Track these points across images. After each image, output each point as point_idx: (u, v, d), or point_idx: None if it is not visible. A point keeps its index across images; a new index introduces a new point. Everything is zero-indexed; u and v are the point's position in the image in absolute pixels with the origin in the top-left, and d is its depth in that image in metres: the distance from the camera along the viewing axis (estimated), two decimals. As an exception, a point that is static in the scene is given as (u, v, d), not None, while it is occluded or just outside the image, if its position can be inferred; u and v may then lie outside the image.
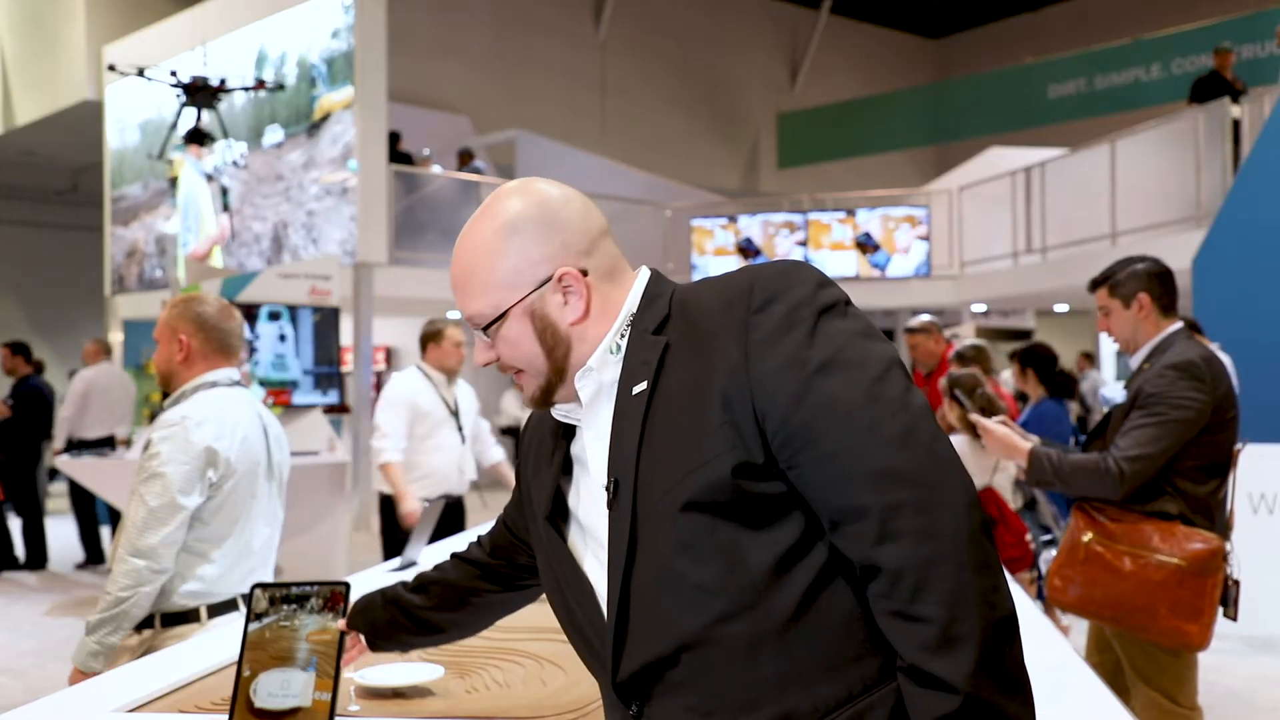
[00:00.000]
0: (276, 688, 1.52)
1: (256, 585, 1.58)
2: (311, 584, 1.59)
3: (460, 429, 4.84)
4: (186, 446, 2.47)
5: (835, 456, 1.07)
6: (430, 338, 4.91)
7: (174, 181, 13.34)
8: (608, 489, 1.18)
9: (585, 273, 1.23)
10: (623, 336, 1.23)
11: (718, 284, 1.20)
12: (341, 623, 1.56)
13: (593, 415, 1.25)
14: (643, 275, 1.28)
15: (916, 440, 1.07)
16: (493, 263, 1.23)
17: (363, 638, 1.60)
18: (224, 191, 11.49)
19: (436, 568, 1.61)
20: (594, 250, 1.25)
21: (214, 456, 2.50)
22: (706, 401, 1.12)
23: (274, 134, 11.64)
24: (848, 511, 1.06)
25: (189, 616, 2.51)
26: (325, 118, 11.28)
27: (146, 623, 2.50)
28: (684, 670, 1.11)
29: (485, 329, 1.25)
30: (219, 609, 2.55)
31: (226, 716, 1.56)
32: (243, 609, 2.58)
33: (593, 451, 1.24)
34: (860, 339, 1.11)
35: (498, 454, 5.17)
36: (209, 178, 11.13)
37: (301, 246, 12.45)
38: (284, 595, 1.59)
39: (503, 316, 1.23)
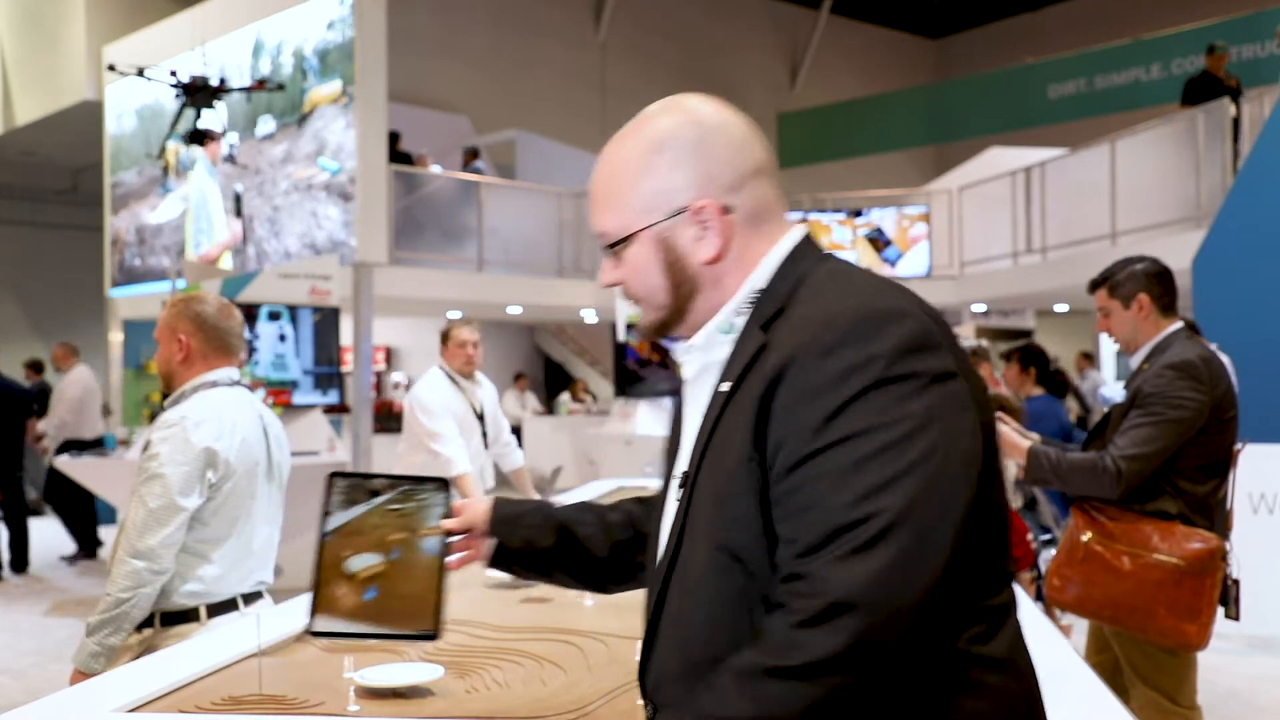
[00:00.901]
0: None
1: (334, 474, 1.36)
2: (401, 478, 1.38)
3: (485, 434, 4.77)
4: (185, 447, 2.46)
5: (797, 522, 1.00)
6: (442, 338, 4.86)
7: (167, 170, 13.40)
8: (681, 479, 1.15)
9: (728, 210, 1.14)
10: (739, 315, 1.14)
11: (830, 296, 1.07)
12: (450, 522, 1.38)
13: (696, 391, 1.19)
14: (789, 238, 1.17)
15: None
16: (630, 180, 1.16)
17: (488, 546, 1.42)
18: (237, 197, 11.48)
19: (615, 507, 1.45)
20: (742, 188, 1.15)
21: (213, 457, 2.49)
22: (749, 427, 1.05)
23: (266, 125, 11.64)
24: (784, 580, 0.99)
25: (189, 616, 2.51)
26: (311, 111, 11.32)
27: (146, 622, 2.49)
28: (687, 695, 1.07)
29: (611, 248, 1.19)
30: (219, 608, 2.55)
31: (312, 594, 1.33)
32: (243, 609, 2.58)
33: (689, 428, 1.19)
34: (905, 424, 0.97)
35: (518, 458, 5.04)
36: (208, 136, 11.05)
37: (265, 239, 12.54)
38: (369, 488, 1.36)
39: (629, 239, 1.16)
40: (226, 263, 11.99)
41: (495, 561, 1.44)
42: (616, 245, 1.17)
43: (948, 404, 0.99)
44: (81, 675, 2.37)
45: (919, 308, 1.05)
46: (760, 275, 1.14)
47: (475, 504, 1.42)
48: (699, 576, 1.08)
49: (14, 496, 8.31)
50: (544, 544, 1.41)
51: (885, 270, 13.31)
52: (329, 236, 11.41)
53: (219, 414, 2.55)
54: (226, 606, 2.56)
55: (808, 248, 1.16)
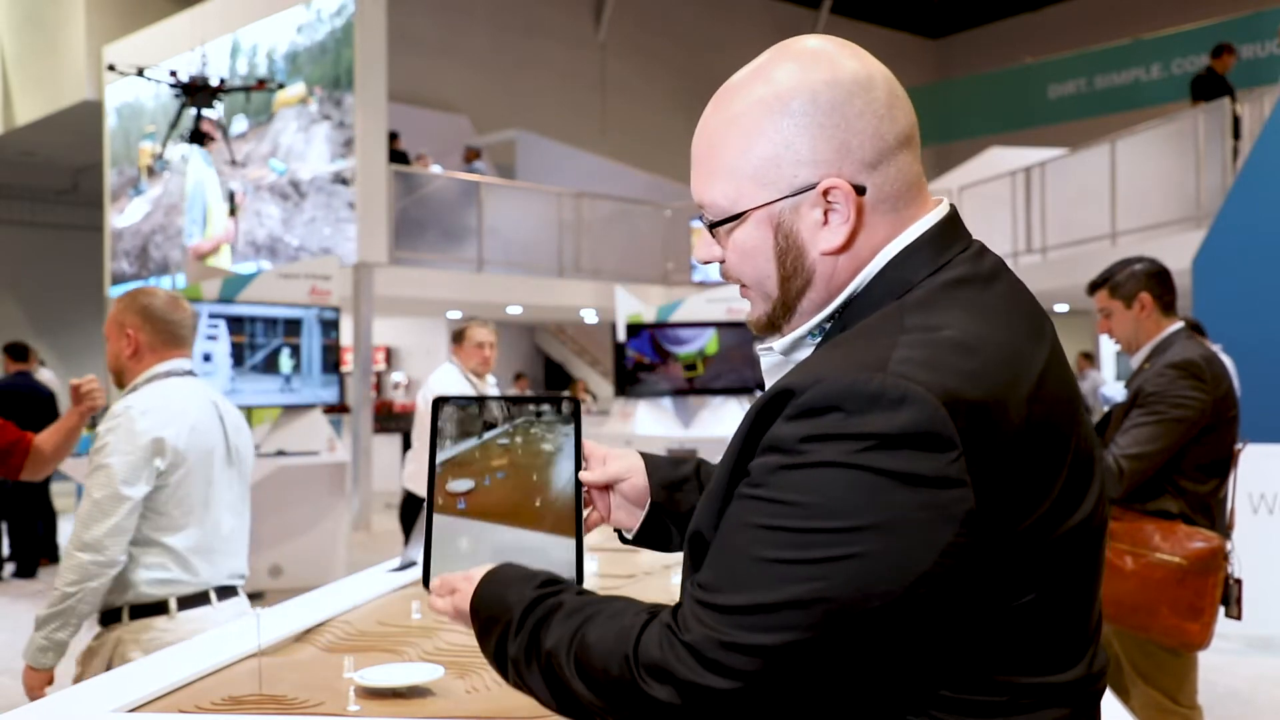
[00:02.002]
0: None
1: (439, 399, 1.17)
2: (521, 399, 1.17)
3: None
4: (130, 436, 2.42)
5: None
6: (456, 337, 4.91)
7: (140, 173, 13.47)
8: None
9: (862, 191, 0.94)
10: (830, 321, 0.99)
11: (872, 342, 0.90)
12: (590, 476, 1.17)
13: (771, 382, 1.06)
14: (919, 224, 0.97)
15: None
16: (745, 143, 0.96)
17: (635, 514, 1.21)
18: (231, 195, 11.51)
19: None
20: (883, 163, 0.95)
21: (160, 445, 2.45)
22: (729, 460, 0.95)
23: (239, 124, 11.67)
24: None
25: (158, 609, 2.48)
26: (275, 114, 11.41)
27: (114, 617, 2.47)
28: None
29: (714, 225, 1.00)
30: (189, 601, 2.51)
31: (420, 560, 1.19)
32: (215, 603, 2.54)
33: None
34: (846, 517, 0.82)
35: None
36: (208, 136, 11.06)
37: (159, 247, 12.67)
38: (484, 419, 1.16)
39: (739, 217, 0.98)
40: (225, 257, 12.03)
41: (640, 538, 1.22)
42: (723, 223, 0.99)
43: (916, 513, 0.83)
44: (32, 671, 2.37)
45: (968, 386, 0.86)
46: (870, 271, 0.96)
47: (617, 456, 1.22)
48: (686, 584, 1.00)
49: (37, 500, 8.22)
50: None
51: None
52: (269, 234, 11.56)
53: (166, 402, 2.51)
54: (198, 600, 2.52)
55: (934, 243, 0.96)
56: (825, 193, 0.94)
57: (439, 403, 1.16)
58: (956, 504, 0.83)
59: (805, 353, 1.00)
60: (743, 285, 1.02)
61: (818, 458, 0.84)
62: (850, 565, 0.82)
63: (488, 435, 1.15)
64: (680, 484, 1.21)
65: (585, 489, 1.18)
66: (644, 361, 9.30)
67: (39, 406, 7.74)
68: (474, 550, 1.11)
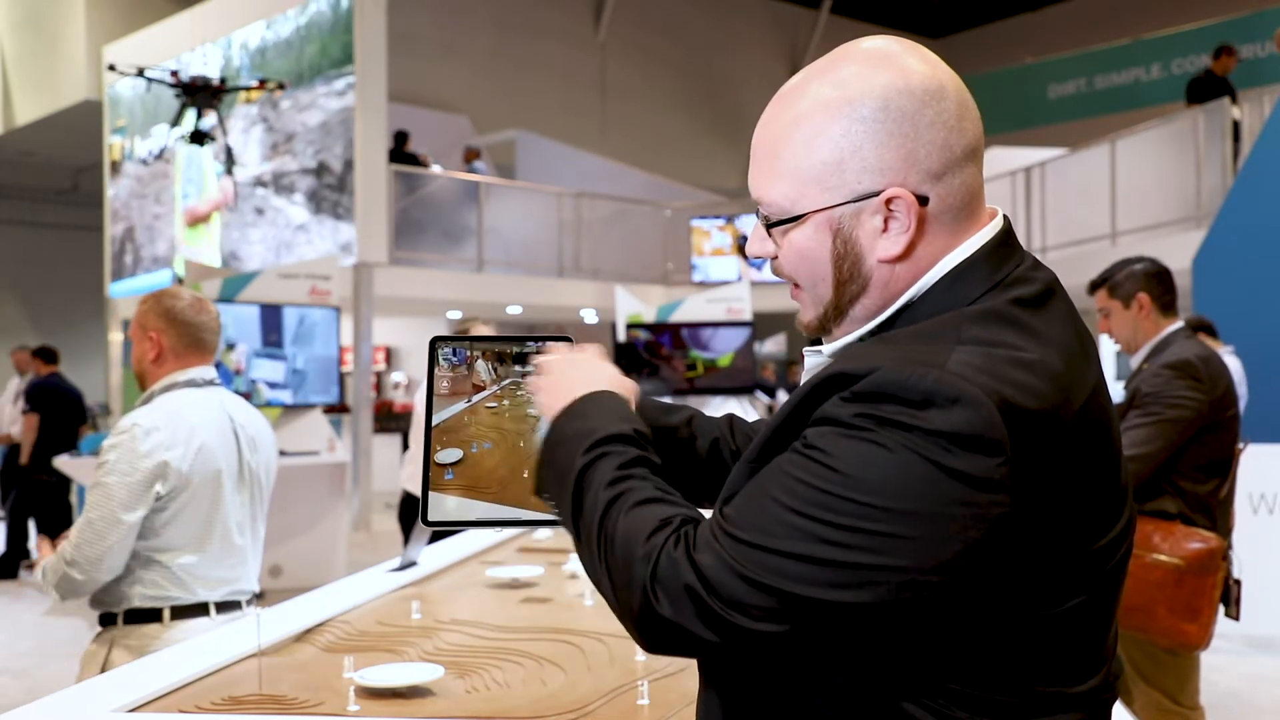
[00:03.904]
0: None
1: (437, 338, 1.17)
2: (517, 339, 1.18)
3: None
4: (132, 457, 2.35)
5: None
6: None
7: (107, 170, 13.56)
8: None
9: (924, 202, 0.93)
10: (881, 327, 0.98)
11: (928, 344, 0.90)
12: None
13: None
14: (977, 238, 0.96)
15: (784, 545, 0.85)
16: (810, 145, 0.95)
17: None
18: (228, 151, 11.42)
19: (711, 422, 1.27)
20: (948, 175, 0.94)
21: (163, 469, 2.38)
22: (768, 429, 0.95)
23: (210, 120, 11.68)
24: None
25: (152, 616, 2.44)
26: (231, 110, 11.51)
27: (110, 619, 2.46)
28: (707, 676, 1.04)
29: (772, 225, 0.99)
30: (184, 611, 2.47)
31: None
32: (214, 615, 2.50)
33: None
34: (889, 496, 0.83)
35: None
36: (208, 136, 11.05)
37: (142, 246, 12.84)
38: (495, 353, 1.16)
39: (799, 219, 0.96)
40: (216, 225, 12.13)
41: None
42: (780, 224, 0.97)
43: (955, 509, 0.83)
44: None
45: (1022, 396, 0.86)
46: (926, 281, 0.96)
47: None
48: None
49: (56, 501, 8.24)
50: (697, 461, 1.23)
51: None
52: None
53: (174, 420, 2.42)
54: (195, 610, 2.48)
55: (990, 258, 0.96)
56: (888, 201, 0.93)
57: (436, 343, 1.16)
58: (993, 507, 0.84)
59: None
60: (794, 285, 1.01)
61: (874, 437, 0.85)
62: (868, 542, 0.84)
63: (476, 398, 1.15)
64: (670, 430, 1.22)
65: None
66: (661, 351, 9.29)
67: (70, 406, 8.25)
68: (468, 484, 1.13)
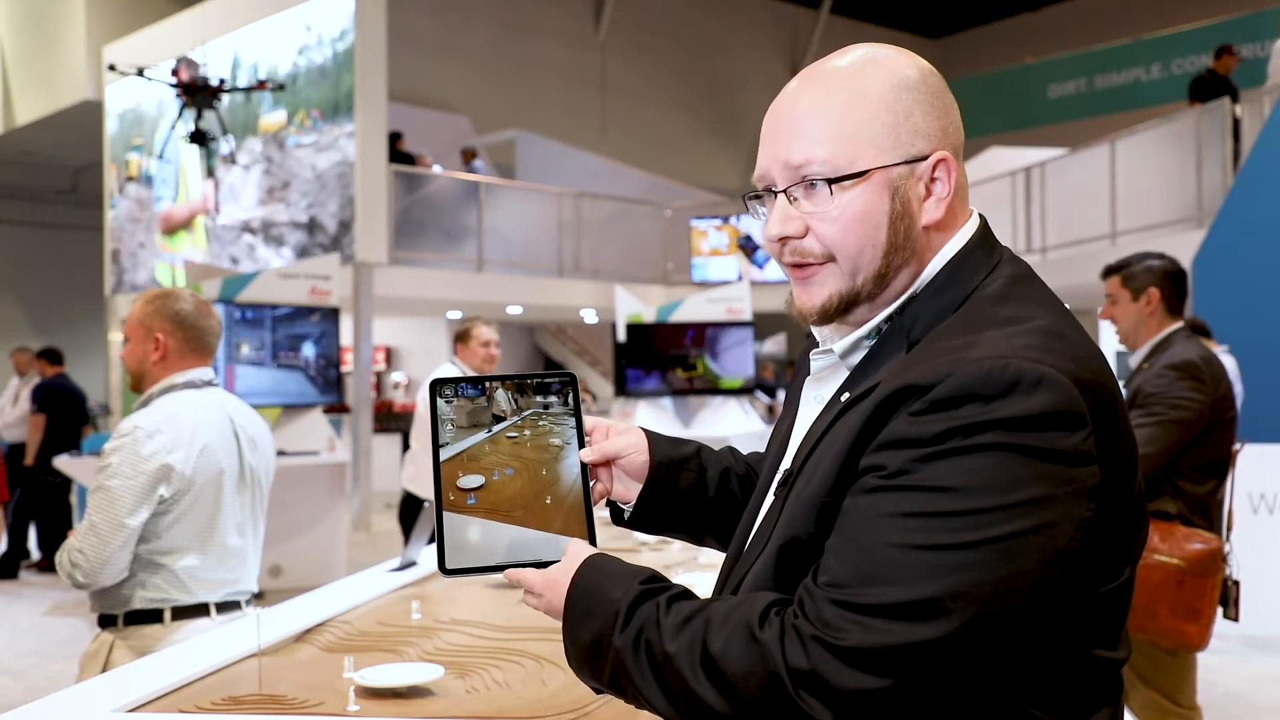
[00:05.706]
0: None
1: (438, 380, 1.15)
2: (526, 375, 1.17)
3: None
4: (135, 460, 2.35)
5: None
6: (459, 337, 4.90)
7: (121, 184, 13.56)
8: (782, 477, 1.04)
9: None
10: (889, 321, 1.00)
11: (979, 333, 0.92)
12: (589, 454, 1.16)
13: (816, 390, 1.06)
14: (968, 227, 1.02)
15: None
16: (867, 110, 0.96)
17: (631, 489, 1.20)
18: (208, 154, 11.27)
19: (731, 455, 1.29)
20: (960, 155, 1.01)
21: (167, 471, 2.37)
22: (851, 435, 0.93)
23: (226, 145, 11.65)
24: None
25: (153, 617, 2.45)
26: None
27: (110, 620, 2.46)
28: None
29: (832, 181, 0.97)
30: (185, 612, 2.47)
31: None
32: (214, 616, 2.50)
33: (800, 427, 1.07)
34: (998, 496, 0.83)
35: None
36: (198, 138, 10.86)
37: (128, 271, 13.03)
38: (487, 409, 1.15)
39: (859, 176, 0.96)
40: (199, 230, 12.14)
41: (636, 514, 1.22)
42: (835, 181, 0.96)
43: (1060, 488, 0.85)
44: None
45: (1078, 367, 0.89)
46: (930, 270, 0.99)
47: (620, 431, 1.21)
48: (760, 583, 0.99)
49: (57, 500, 8.23)
50: (708, 495, 1.23)
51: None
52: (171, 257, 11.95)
53: (175, 422, 2.42)
54: (195, 611, 2.48)
55: (983, 244, 1.01)
56: (938, 164, 0.98)
57: (437, 386, 1.15)
58: (1090, 478, 0.87)
59: (860, 356, 1.01)
60: (810, 264, 1.00)
61: (960, 445, 0.85)
62: (1001, 546, 0.84)
63: (497, 428, 1.15)
64: (681, 463, 1.23)
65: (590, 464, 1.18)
66: (681, 345, 9.30)
67: (75, 406, 8.37)
68: (485, 542, 1.11)
